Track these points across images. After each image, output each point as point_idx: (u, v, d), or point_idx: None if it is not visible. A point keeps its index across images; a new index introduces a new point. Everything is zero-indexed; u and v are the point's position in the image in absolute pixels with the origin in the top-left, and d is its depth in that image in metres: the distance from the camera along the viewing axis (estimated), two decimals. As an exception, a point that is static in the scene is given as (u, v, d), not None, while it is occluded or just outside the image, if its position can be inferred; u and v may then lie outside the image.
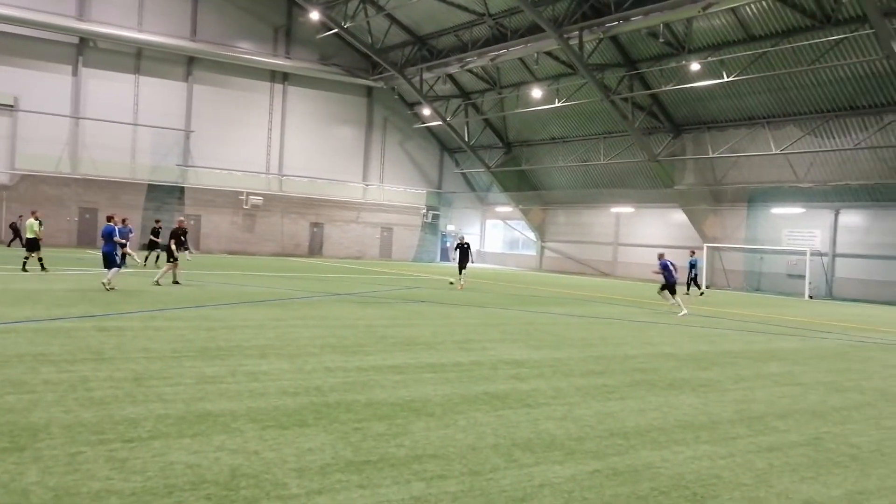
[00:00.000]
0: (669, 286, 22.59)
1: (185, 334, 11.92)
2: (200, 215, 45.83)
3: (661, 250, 26.69)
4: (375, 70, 50.10)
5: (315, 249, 51.32)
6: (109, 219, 19.64)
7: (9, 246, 37.96)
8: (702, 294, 31.59)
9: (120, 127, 43.69)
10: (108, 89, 43.42)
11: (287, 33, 48.89)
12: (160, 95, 45.07)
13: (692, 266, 31.42)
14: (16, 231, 37.46)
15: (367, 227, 53.81)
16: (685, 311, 21.64)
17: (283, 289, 22.27)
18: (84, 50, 42.72)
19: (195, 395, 7.74)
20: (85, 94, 42.83)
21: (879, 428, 8.23)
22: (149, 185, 44.78)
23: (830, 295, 35.79)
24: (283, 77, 49.31)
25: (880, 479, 6.28)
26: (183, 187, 46.04)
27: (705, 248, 39.63)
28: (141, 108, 44.44)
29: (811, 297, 34.94)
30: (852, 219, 35.71)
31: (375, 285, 26.57)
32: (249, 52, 47.04)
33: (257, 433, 6.44)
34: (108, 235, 18.69)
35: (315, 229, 51.41)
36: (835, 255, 36.16)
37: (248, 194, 47.72)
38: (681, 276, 27.32)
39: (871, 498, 5.76)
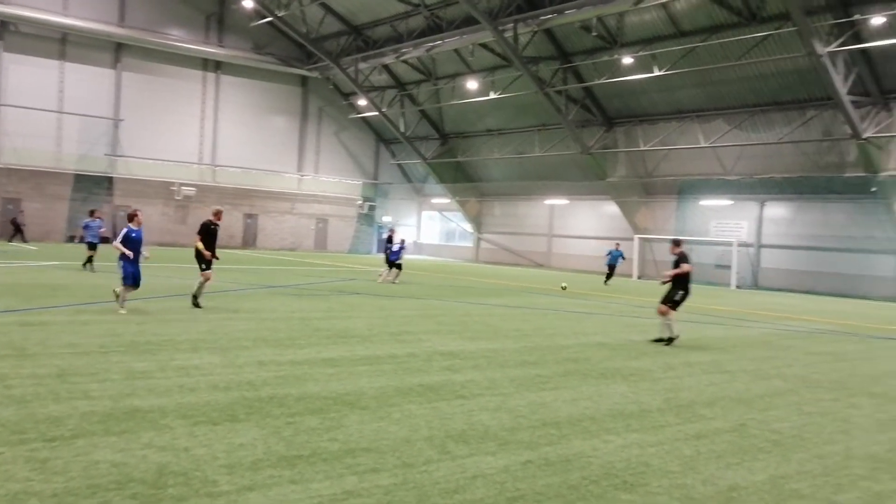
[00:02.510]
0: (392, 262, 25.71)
1: (113, 328, 11.62)
2: (130, 206, 44.60)
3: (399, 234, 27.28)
4: (310, 60, 49.53)
5: (249, 241, 50.56)
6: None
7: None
8: (606, 283, 31.95)
9: (44, 114, 42.18)
10: (31, 75, 41.86)
11: (219, 21, 47.88)
12: (87, 82, 43.65)
13: (617, 257, 32.08)
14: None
15: (302, 218, 53.25)
16: (390, 280, 25.21)
17: (217, 281, 21.82)
18: (4, 34, 41.05)
19: (123, 392, 7.54)
20: (6, 80, 41.17)
21: (801, 413, 8.52)
22: (75, 175, 43.39)
23: (756, 285, 36.87)
24: (216, 65, 48.32)
25: (800, 463, 6.50)
26: (112, 177, 44.76)
27: (636, 240, 40.35)
28: (66, 96, 42.98)
29: (738, 287, 35.95)
30: (777, 211, 36.83)
31: (311, 277, 26.33)
32: (180, 39, 45.93)
33: (187, 429, 6.31)
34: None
35: (249, 220, 50.65)
36: (760, 246, 37.27)
37: (180, 185, 46.68)
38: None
39: (792, 481, 5.95)
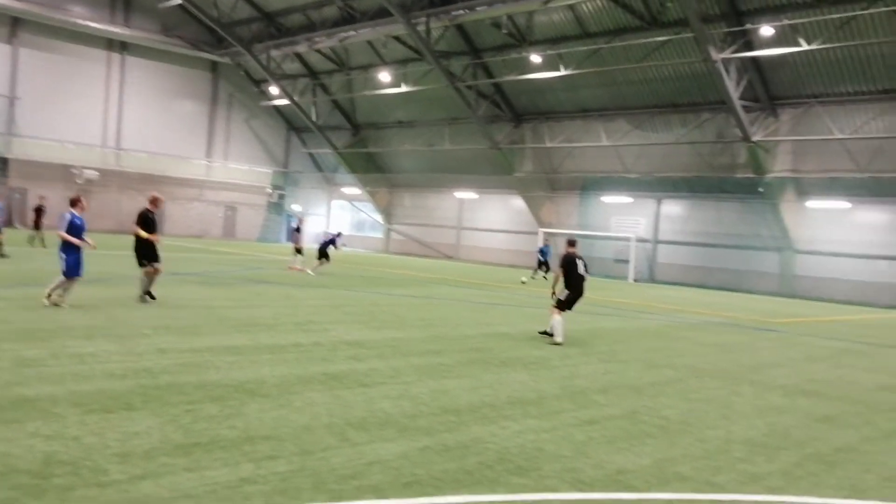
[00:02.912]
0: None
1: (4, 316, 11.22)
2: (27, 189, 42.62)
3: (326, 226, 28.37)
4: (221, 45, 48.38)
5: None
6: None
7: None
8: (533, 278, 32.55)
9: (-70, 90, 39.97)
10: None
11: (126, 0, 46.27)
12: (-22, 58, 41.56)
13: (546, 252, 32.86)
14: None
15: (210, 205, 52.04)
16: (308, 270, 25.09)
17: (118, 268, 21.22)
18: None
19: (11, 380, 7.32)
20: None
21: (688, 400, 8.94)
22: (-36, 155, 41.28)
23: (652, 278, 38.12)
24: (122, 46, 46.61)
25: (684, 447, 6.84)
26: (6, 158, 42.68)
27: (541, 233, 41.11)
28: (-45, 71, 40.82)
29: (635, 281, 37.12)
30: (673, 208, 38.15)
31: (218, 265, 25.87)
32: (83, 16, 44.05)
33: (79, 418, 6.19)
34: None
35: (154, 207, 49.11)
36: (657, 242, 38.56)
37: (82, 168, 44.89)
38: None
39: (676, 464, 6.27)
